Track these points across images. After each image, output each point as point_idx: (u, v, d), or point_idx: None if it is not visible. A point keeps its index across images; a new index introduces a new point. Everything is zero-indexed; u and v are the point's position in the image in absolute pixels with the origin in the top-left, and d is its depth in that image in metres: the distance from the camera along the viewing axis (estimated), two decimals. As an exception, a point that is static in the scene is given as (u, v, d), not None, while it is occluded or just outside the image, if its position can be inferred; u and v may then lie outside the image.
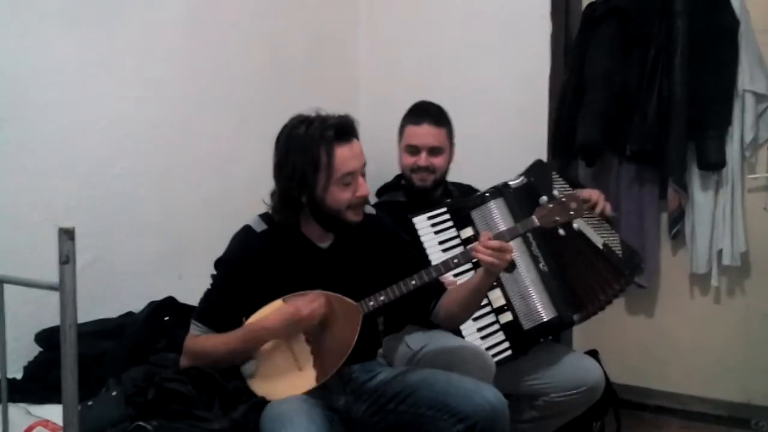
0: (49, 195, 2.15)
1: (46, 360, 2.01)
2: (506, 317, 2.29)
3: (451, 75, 3.14)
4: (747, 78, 2.85)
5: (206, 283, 1.96)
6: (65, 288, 1.28)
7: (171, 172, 2.51)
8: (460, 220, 2.38)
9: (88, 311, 2.11)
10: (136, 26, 2.38)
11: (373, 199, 2.54)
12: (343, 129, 1.88)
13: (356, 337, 1.87)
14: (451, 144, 2.53)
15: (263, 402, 1.79)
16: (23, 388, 1.95)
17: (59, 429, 1.61)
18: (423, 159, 2.46)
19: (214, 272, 1.97)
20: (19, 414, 1.79)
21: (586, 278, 2.36)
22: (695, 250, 3.00)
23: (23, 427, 1.74)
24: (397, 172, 2.62)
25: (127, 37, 2.35)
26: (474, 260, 1.94)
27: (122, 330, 2.15)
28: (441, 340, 2.21)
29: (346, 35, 3.32)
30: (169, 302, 2.24)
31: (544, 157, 2.90)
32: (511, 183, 2.43)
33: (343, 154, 1.86)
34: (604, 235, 2.39)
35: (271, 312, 1.86)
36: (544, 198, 2.03)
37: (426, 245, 2.33)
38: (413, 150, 2.48)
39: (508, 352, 2.26)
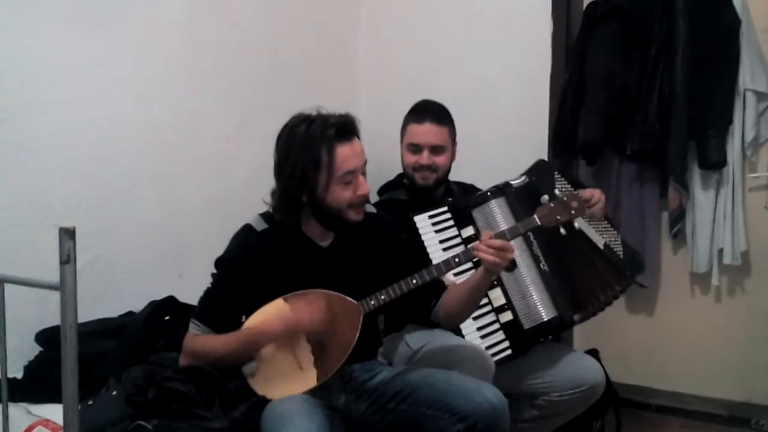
0: (49, 195, 2.15)
1: (47, 359, 2.01)
2: (506, 316, 2.29)
3: (451, 75, 3.14)
4: (748, 77, 2.85)
5: (207, 282, 1.96)
6: (66, 287, 1.28)
7: (171, 172, 2.51)
8: (461, 219, 2.38)
9: (89, 311, 2.11)
10: (136, 26, 2.38)
11: (374, 198, 2.54)
12: (344, 128, 1.88)
13: (357, 336, 1.87)
14: (454, 143, 2.52)
15: (264, 401, 1.79)
16: (23, 387, 1.95)
17: (59, 428, 1.61)
18: (425, 157, 2.46)
19: (214, 271, 1.97)
20: (20, 413, 1.79)
21: (586, 278, 2.36)
22: (696, 249, 3.00)
23: (23, 427, 1.74)
24: (398, 171, 2.62)
25: (127, 37, 2.35)
26: (475, 259, 1.94)
27: (122, 329, 2.15)
28: (441, 339, 2.21)
29: (346, 35, 3.31)
30: (170, 302, 2.24)
31: (545, 157, 2.89)
32: (512, 182, 2.43)
33: (344, 152, 1.86)
34: (606, 236, 2.39)
35: (272, 316, 1.86)
36: (546, 197, 2.03)
37: (427, 244, 2.32)
38: (415, 148, 2.48)
39: (508, 352, 2.26)
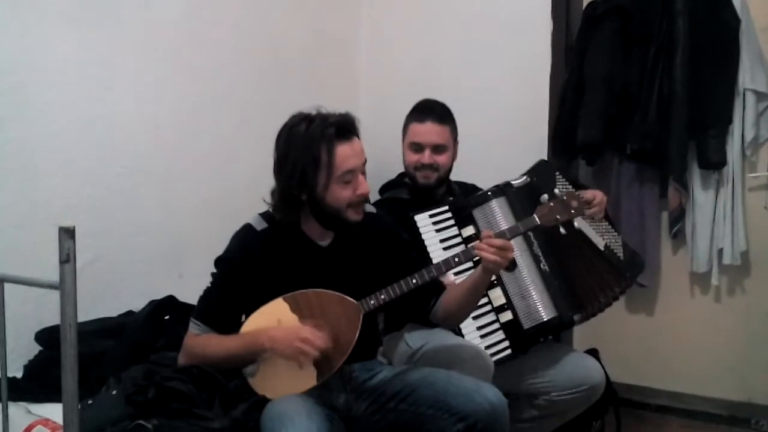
0: (49, 194, 2.15)
1: (46, 359, 2.01)
2: (506, 316, 2.29)
3: (451, 75, 3.14)
4: (748, 76, 2.85)
5: (206, 281, 1.96)
6: (65, 287, 1.28)
7: (171, 172, 2.51)
8: (462, 218, 2.38)
9: (89, 310, 2.11)
10: (136, 26, 2.38)
11: (375, 197, 2.54)
12: (344, 127, 1.88)
13: (357, 336, 1.87)
14: (455, 142, 2.53)
15: (264, 400, 1.79)
16: (23, 387, 1.95)
17: (59, 428, 1.61)
18: (427, 156, 2.46)
19: (214, 271, 1.97)
20: (19, 413, 1.80)
21: (586, 279, 2.36)
22: (696, 248, 3.00)
23: (23, 426, 1.74)
24: (397, 171, 2.62)
25: (128, 37, 2.35)
26: (475, 259, 1.94)
27: (122, 329, 2.15)
28: (440, 338, 2.21)
29: (346, 35, 3.31)
30: (170, 301, 2.24)
31: (545, 157, 2.89)
32: (513, 182, 2.43)
33: (343, 152, 1.86)
34: (606, 237, 2.39)
35: (280, 333, 1.83)
36: (545, 197, 2.03)
37: (427, 243, 2.32)
38: (417, 147, 2.48)
39: (508, 351, 2.26)
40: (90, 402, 1.77)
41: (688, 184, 2.97)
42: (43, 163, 2.13)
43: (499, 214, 2.37)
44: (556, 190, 2.18)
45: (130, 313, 2.28)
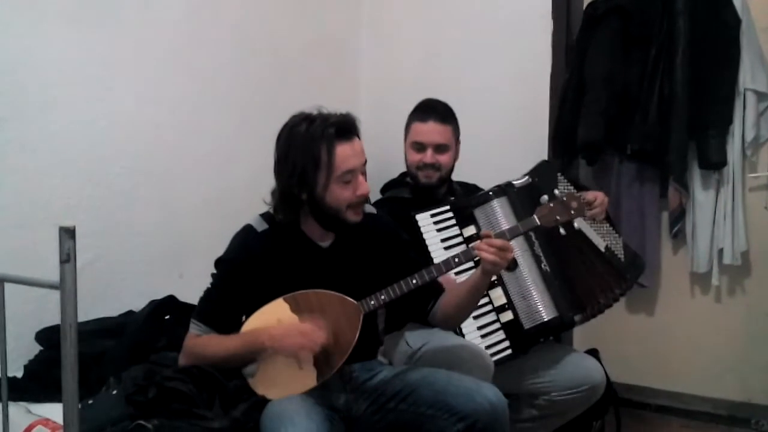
0: (49, 194, 2.15)
1: (47, 359, 2.01)
2: (507, 316, 2.29)
3: (451, 75, 3.14)
4: (748, 77, 2.85)
5: (207, 282, 1.96)
6: (66, 287, 1.28)
7: (171, 172, 2.51)
8: (463, 218, 2.38)
9: (89, 310, 2.11)
10: (136, 26, 2.38)
11: (375, 197, 2.54)
12: (345, 127, 1.88)
13: (357, 336, 1.87)
14: (457, 142, 2.52)
15: (264, 401, 1.79)
16: (23, 386, 1.95)
17: (59, 428, 1.61)
18: (429, 156, 2.46)
19: (214, 271, 1.97)
20: (20, 413, 1.80)
21: (587, 280, 2.36)
22: (696, 249, 3.00)
23: (23, 426, 1.74)
24: (398, 171, 2.62)
25: (127, 37, 2.35)
26: (475, 259, 1.94)
27: (123, 329, 2.15)
28: (441, 338, 2.21)
29: (346, 35, 3.31)
30: (170, 301, 2.24)
31: (545, 157, 2.90)
32: (515, 182, 2.43)
33: (343, 152, 1.85)
34: (607, 239, 2.39)
35: (280, 330, 1.83)
36: (545, 197, 2.03)
37: (428, 243, 2.32)
38: (419, 147, 2.48)
39: (508, 351, 2.26)
40: (90, 402, 1.77)
41: (689, 184, 2.97)
42: (43, 163, 2.14)
43: (500, 214, 2.37)
44: (557, 191, 2.18)
45: (130, 313, 2.28)
